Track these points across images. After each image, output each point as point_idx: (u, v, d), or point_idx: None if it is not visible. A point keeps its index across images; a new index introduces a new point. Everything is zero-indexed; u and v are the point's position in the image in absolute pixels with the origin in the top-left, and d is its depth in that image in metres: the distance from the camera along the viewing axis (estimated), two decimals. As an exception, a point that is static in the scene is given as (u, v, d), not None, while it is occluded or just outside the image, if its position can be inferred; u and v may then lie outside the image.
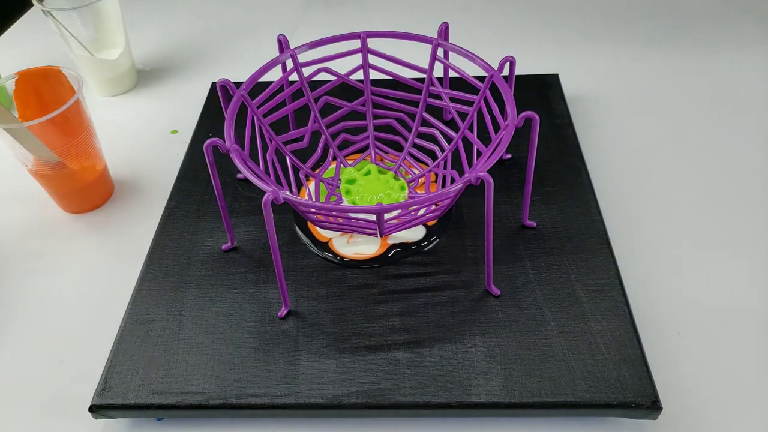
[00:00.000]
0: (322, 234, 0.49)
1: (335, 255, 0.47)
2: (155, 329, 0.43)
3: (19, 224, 0.55)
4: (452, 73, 0.52)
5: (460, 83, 0.49)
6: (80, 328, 0.46)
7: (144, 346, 0.42)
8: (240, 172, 0.54)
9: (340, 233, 0.49)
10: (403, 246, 0.48)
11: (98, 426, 0.41)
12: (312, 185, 0.52)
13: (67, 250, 0.52)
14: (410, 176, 0.52)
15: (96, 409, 0.39)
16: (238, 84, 0.47)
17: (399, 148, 0.55)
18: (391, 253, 0.47)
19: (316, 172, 0.53)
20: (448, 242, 0.48)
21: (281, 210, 0.51)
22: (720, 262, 0.48)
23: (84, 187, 0.54)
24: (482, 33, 0.73)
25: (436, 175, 0.52)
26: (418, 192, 0.52)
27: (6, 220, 0.56)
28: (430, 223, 0.49)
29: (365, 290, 0.45)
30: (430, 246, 0.47)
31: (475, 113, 0.48)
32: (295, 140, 0.53)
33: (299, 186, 0.53)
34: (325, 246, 0.48)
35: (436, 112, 0.57)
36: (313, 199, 0.51)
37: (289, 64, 0.50)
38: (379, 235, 0.44)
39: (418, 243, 0.48)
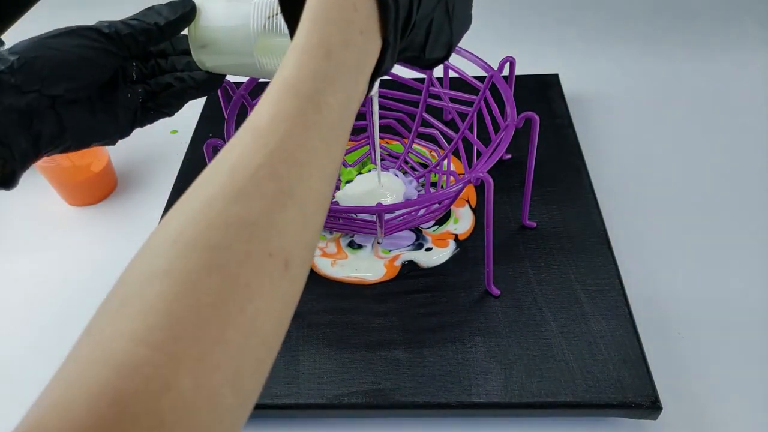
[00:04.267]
0: None
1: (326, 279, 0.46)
2: (155, 329, 0.43)
3: (21, 216, 0.55)
4: (452, 74, 0.52)
5: (460, 83, 0.49)
6: (82, 324, 0.46)
7: (144, 346, 0.42)
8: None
9: (320, 253, 0.47)
10: (418, 268, 0.46)
11: (98, 426, 0.41)
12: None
13: (70, 244, 0.53)
14: (410, 177, 0.52)
15: (96, 409, 0.39)
16: (238, 84, 0.47)
17: (399, 148, 0.55)
18: (406, 273, 0.46)
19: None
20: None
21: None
22: (720, 262, 0.48)
23: (87, 181, 0.54)
24: (482, 33, 0.73)
25: (438, 173, 0.52)
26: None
27: (7, 213, 0.56)
28: (462, 237, 0.48)
29: (365, 290, 0.45)
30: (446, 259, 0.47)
31: (475, 114, 0.48)
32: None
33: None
34: None
35: (436, 112, 0.57)
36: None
37: (289, 65, 0.50)
38: (379, 235, 0.44)
39: (447, 267, 0.46)
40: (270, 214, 0.21)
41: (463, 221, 0.49)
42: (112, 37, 0.34)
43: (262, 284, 0.20)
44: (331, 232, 0.49)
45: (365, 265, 0.46)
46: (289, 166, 0.22)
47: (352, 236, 0.48)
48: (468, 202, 0.50)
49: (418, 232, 0.48)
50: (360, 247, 0.48)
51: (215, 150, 0.41)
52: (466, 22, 0.34)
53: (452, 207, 0.50)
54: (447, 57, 0.32)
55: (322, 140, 0.23)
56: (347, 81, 0.25)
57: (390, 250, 0.47)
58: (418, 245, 0.47)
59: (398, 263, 0.46)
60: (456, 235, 0.48)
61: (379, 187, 0.49)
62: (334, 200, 0.51)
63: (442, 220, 0.49)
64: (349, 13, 0.25)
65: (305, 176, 0.22)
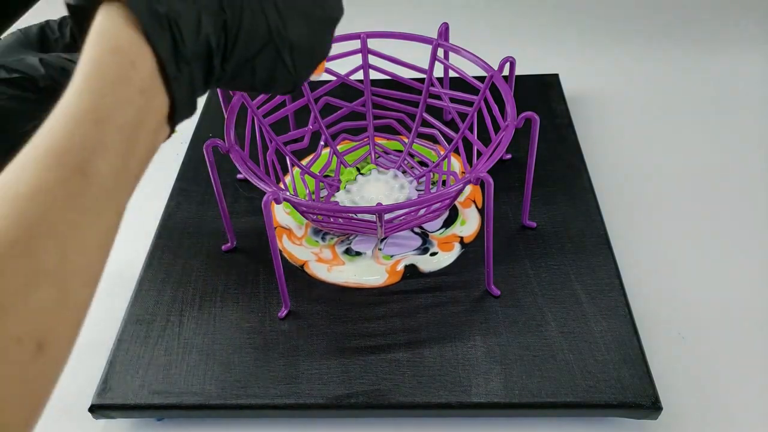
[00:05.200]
0: (297, 256, 0.47)
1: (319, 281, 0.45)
2: (155, 329, 0.43)
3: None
4: (452, 74, 0.52)
5: (460, 83, 0.49)
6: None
7: (144, 346, 0.42)
8: (240, 173, 0.54)
9: (315, 258, 0.47)
10: (423, 272, 0.45)
11: (98, 426, 0.41)
12: (289, 177, 0.52)
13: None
14: (410, 176, 0.52)
15: (96, 409, 0.39)
16: (238, 84, 0.47)
17: (399, 148, 0.55)
18: (409, 278, 0.45)
19: (319, 172, 0.53)
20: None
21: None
22: (720, 262, 0.48)
23: None
24: (482, 33, 0.73)
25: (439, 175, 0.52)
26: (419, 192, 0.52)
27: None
28: (467, 240, 0.48)
29: (365, 290, 0.45)
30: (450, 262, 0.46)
31: (475, 114, 0.48)
32: (295, 140, 0.53)
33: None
34: (299, 269, 0.46)
35: (436, 112, 0.57)
36: (313, 198, 0.51)
37: (289, 65, 0.50)
38: (379, 235, 0.44)
39: (448, 268, 0.46)
40: (22, 296, 0.20)
41: (470, 223, 0.49)
42: (49, 90, 0.32)
43: (8, 371, 0.19)
44: (324, 238, 0.49)
45: (366, 271, 0.46)
46: (47, 241, 0.21)
47: (350, 243, 0.48)
48: (474, 202, 0.50)
49: (424, 236, 0.48)
50: (358, 254, 0.47)
51: (215, 150, 0.41)
52: (316, 52, 0.30)
53: (460, 208, 0.50)
54: (293, 90, 0.30)
55: (88, 211, 0.22)
56: (123, 145, 0.23)
57: (392, 256, 0.47)
58: (423, 249, 0.47)
59: (400, 267, 0.46)
60: (461, 238, 0.48)
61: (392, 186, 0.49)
62: (334, 200, 0.51)
63: (449, 222, 0.49)
64: (126, 71, 0.23)
65: (67, 251, 0.21)
